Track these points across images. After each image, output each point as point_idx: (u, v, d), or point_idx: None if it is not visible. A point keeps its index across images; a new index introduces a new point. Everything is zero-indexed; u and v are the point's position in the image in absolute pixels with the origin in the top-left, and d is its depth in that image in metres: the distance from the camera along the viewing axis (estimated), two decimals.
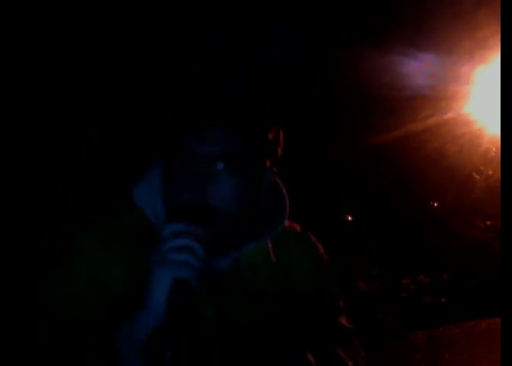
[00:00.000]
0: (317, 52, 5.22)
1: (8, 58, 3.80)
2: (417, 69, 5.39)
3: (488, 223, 6.39)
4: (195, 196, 0.86)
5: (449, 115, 5.66)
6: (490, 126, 5.78)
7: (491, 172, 6.29)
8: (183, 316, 0.77)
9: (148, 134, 1.01)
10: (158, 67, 4.19)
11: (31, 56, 3.92)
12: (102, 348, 0.81)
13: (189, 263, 0.78)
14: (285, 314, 0.99)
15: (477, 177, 6.34)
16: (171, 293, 0.77)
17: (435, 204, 6.73)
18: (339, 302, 1.10)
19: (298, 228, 1.11)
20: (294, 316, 1.01)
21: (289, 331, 0.99)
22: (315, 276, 1.07)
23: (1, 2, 3.65)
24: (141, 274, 0.82)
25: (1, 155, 3.72)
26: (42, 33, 3.93)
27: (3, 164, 3.73)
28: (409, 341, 4.63)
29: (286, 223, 1.05)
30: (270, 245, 1.01)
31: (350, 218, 6.46)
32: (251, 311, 0.95)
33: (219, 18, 4.56)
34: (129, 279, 0.88)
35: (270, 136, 0.97)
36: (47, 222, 3.33)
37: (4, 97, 3.76)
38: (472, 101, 5.55)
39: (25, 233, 3.47)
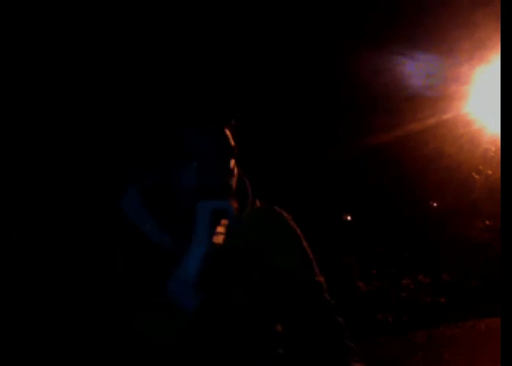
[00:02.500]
0: (317, 52, 5.22)
1: (8, 58, 3.80)
2: (417, 69, 5.39)
3: (488, 223, 6.39)
4: (221, 179, 1.06)
5: (449, 115, 5.66)
6: (489, 126, 5.79)
7: (490, 172, 6.29)
8: (223, 239, 0.99)
9: (144, 136, 1.11)
10: (150, 70, 4.20)
11: (27, 58, 3.93)
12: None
13: (225, 196, 1.02)
14: (267, 286, 1.14)
15: (476, 177, 6.35)
16: (212, 220, 1.00)
17: (435, 204, 6.73)
18: (320, 277, 1.21)
19: (270, 206, 1.24)
20: (277, 290, 1.15)
21: (274, 305, 1.15)
22: (294, 253, 1.20)
23: (1, 2, 3.65)
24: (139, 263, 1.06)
25: None
26: (41, 33, 3.93)
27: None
28: (409, 341, 4.63)
29: (258, 203, 1.22)
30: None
31: (350, 218, 6.47)
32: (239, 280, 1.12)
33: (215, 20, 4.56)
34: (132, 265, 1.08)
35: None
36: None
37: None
38: (472, 101, 5.55)
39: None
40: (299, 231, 1.24)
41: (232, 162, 1.09)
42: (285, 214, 1.24)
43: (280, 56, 5.05)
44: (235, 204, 1.04)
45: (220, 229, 1.00)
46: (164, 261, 1.05)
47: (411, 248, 5.94)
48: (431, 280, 5.82)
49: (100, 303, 1.07)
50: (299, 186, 5.40)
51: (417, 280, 5.79)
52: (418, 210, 6.22)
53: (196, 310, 1.00)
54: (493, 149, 6.10)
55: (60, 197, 3.95)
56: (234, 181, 1.10)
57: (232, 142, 1.10)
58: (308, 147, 5.55)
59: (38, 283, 3.48)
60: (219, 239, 0.99)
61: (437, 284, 5.76)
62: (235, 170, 1.11)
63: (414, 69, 5.38)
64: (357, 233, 5.97)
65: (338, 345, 1.14)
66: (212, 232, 1.00)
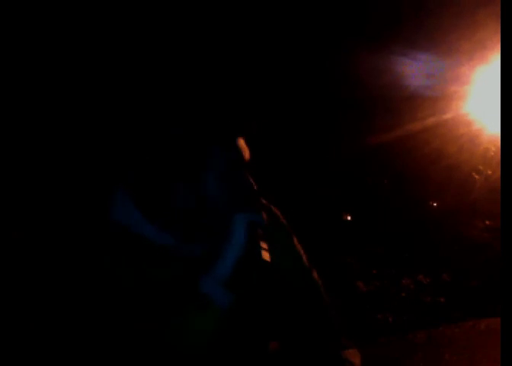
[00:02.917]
0: (317, 51, 5.22)
1: (8, 57, 3.80)
2: (416, 69, 5.40)
3: (488, 223, 6.39)
4: (253, 192, 1.13)
5: (449, 115, 5.66)
6: (489, 126, 5.79)
7: (490, 172, 6.30)
8: (259, 244, 1.05)
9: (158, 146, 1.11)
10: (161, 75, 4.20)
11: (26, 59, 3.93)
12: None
13: (259, 212, 1.09)
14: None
15: (476, 177, 6.35)
16: (248, 230, 1.06)
17: (435, 204, 6.73)
18: (317, 278, 1.25)
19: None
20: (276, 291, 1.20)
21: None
22: (289, 252, 1.25)
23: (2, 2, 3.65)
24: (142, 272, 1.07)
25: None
26: (41, 33, 3.93)
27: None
28: (409, 341, 4.63)
29: None
30: None
31: (350, 218, 6.46)
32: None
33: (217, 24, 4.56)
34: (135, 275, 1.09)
35: None
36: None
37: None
38: (472, 101, 5.55)
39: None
40: (289, 227, 1.27)
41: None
42: (273, 208, 1.27)
43: (280, 56, 5.05)
44: (265, 215, 1.11)
45: (264, 245, 1.06)
46: (168, 262, 1.08)
47: (411, 248, 5.94)
48: (431, 280, 5.81)
49: (102, 303, 1.07)
50: (300, 186, 5.40)
51: (417, 280, 5.79)
52: (418, 210, 6.22)
53: (230, 308, 1.06)
54: (493, 149, 6.10)
55: (60, 197, 3.95)
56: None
57: (248, 152, 1.15)
58: (309, 147, 5.55)
59: (38, 283, 3.48)
60: (266, 255, 1.06)
61: (437, 284, 5.76)
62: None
63: (414, 69, 5.38)
64: (357, 233, 5.97)
65: (334, 343, 1.17)
66: (247, 239, 1.07)
